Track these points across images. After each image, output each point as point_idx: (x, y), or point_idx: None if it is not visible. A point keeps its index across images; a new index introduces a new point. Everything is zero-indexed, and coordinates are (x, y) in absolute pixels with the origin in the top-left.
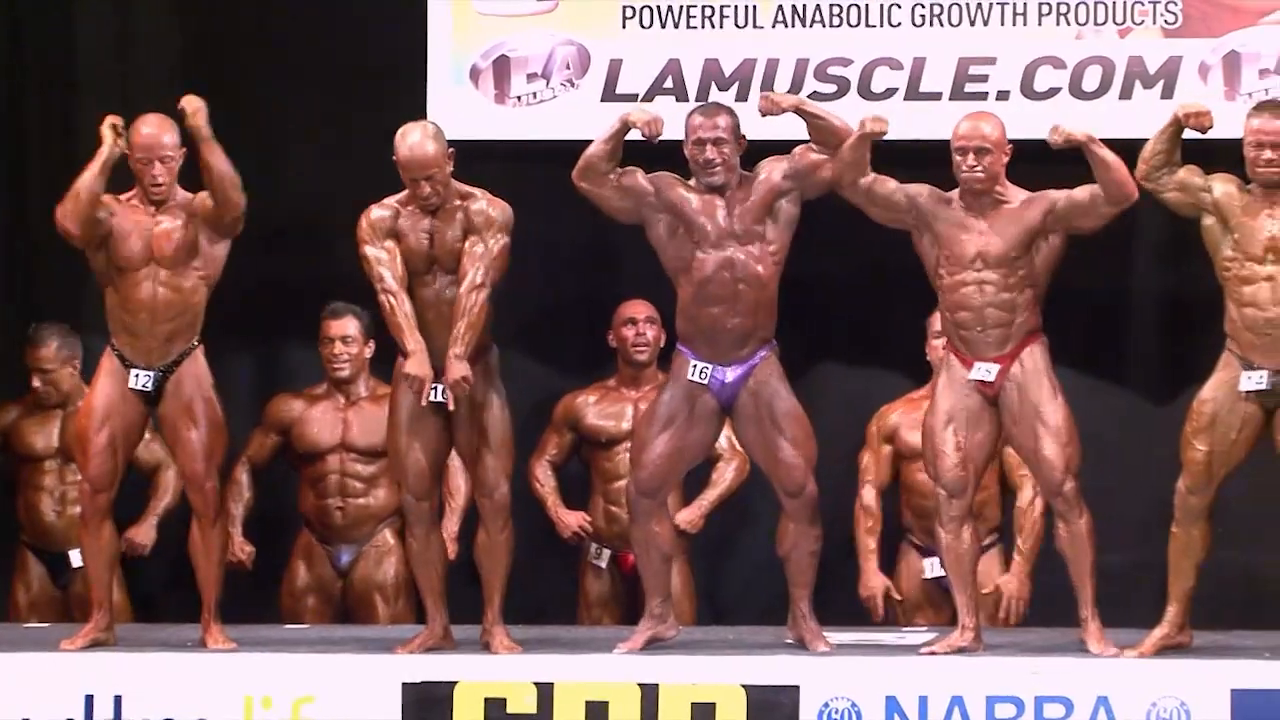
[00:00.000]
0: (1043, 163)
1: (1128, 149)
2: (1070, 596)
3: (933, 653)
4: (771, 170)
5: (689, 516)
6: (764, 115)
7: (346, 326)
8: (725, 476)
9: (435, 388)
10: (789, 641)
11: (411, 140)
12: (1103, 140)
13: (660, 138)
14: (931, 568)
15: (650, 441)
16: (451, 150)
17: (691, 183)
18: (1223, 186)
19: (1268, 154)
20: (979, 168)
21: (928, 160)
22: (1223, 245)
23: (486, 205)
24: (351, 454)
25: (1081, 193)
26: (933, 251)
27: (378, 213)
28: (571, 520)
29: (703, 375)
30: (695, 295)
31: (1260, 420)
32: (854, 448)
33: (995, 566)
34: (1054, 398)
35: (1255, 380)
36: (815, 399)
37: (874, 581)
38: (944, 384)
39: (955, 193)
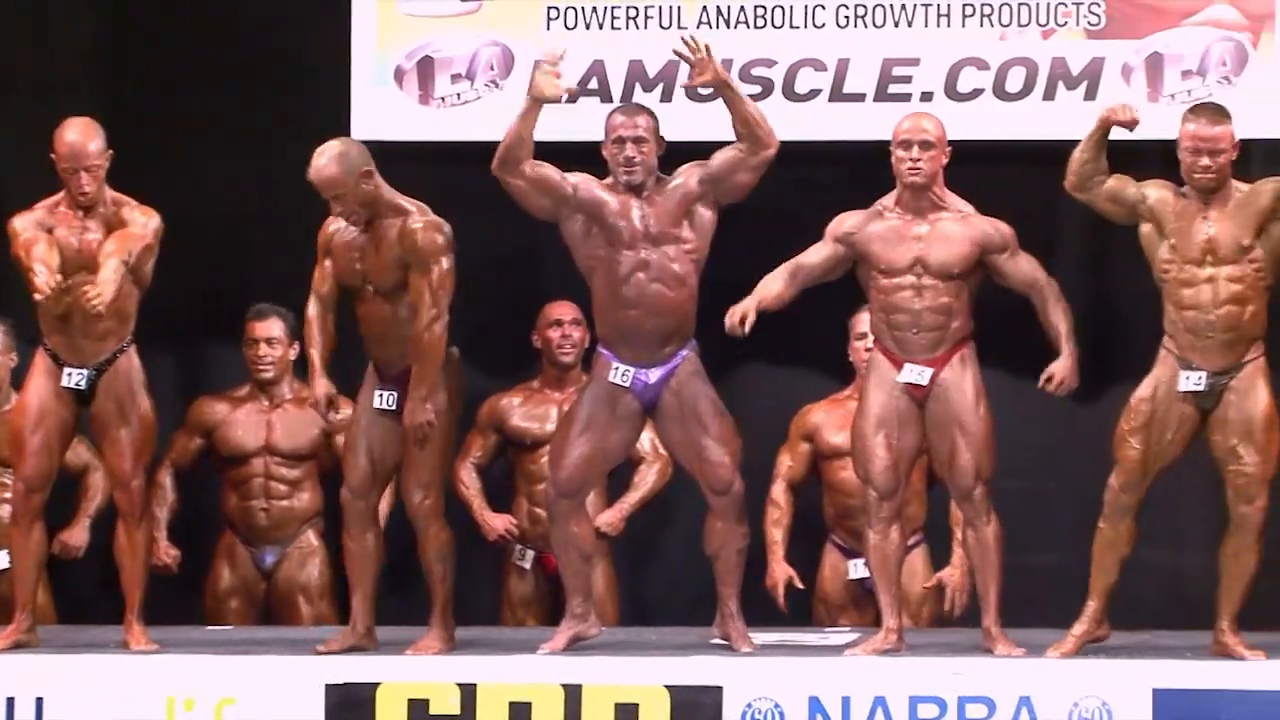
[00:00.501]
0: (968, 163)
1: (1052, 150)
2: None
3: (856, 654)
4: (689, 175)
5: (609, 519)
6: (691, 71)
7: (271, 328)
8: (647, 479)
9: (381, 393)
10: (716, 641)
11: (317, 162)
12: (1027, 141)
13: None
14: (855, 569)
15: (570, 443)
16: (367, 168)
17: (608, 182)
18: (1157, 193)
19: (1204, 160)
20: (921, 162)
21: (852, 161)
22: (1160, 249)
23: (422, 228)
24: (275, 457)
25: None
26: (865, 266)
27: (331, 227)
28: (497, 523)
29: (625, 378)
30: (611, 297)
31: (1196, 421)
32: (778, 447)
33: (921, 566)
34: (978, 405)
35: (1194, 381)
36: (740, 399)
37: (777, 570)
38: (873, 385)
39: (891, 200)
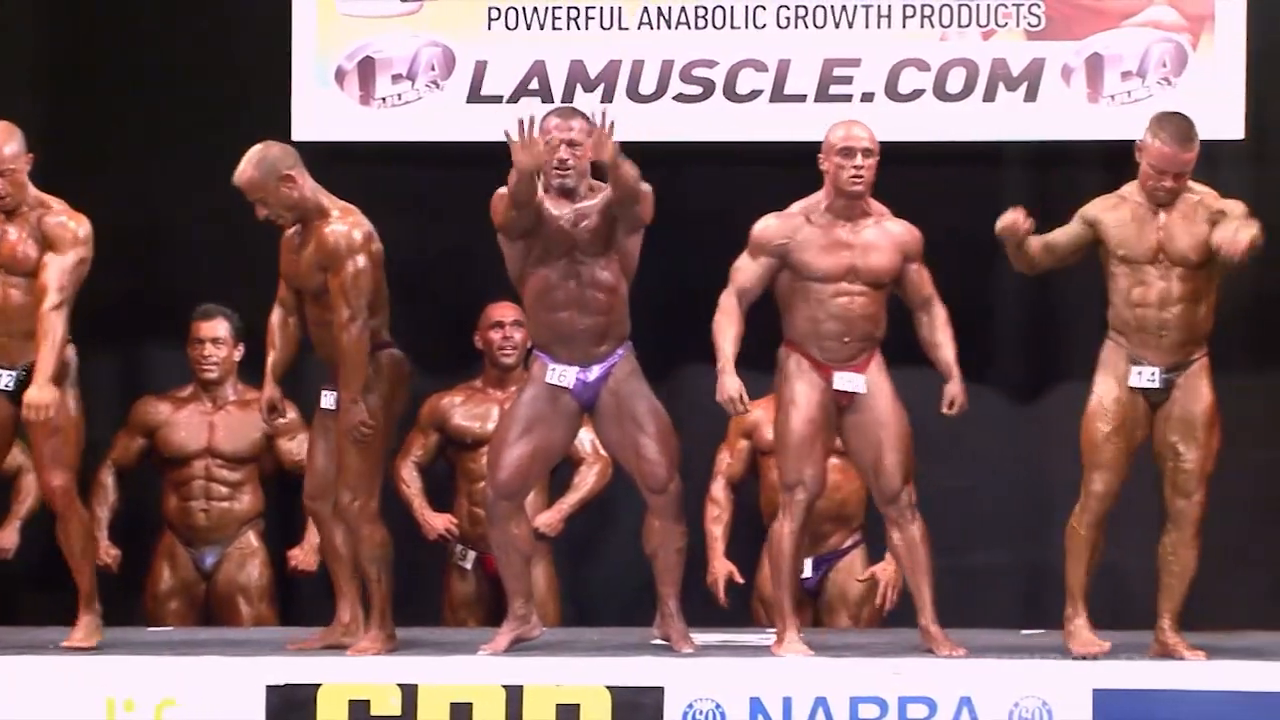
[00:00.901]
0: (909, 164)
1: (993, 151)
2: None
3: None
4: (604, 196)
5: (548, 519)
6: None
7: (217, 328)
8: (587, 480)
9: (325, 394)
10: (657, 641)
11: (240, 167)
12: (968, 142)
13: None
14: None
15: (509, 445)
16: (288, 171)
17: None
18: (1097, 214)
19: (1168, 182)
20: (864, 170)
21: (793, 162)
22: (1113, 251)
23: (333, 230)
24: (217, 459)
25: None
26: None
27: (288, 231)
28: (437, 522)
29: (564, 378)
30: (542, 301)
31: (1149, 416)
32: (718, 445)
33: (860, 566)
34: (897, 407)
35: (1147, 377)
36: (679, 397)
37: (718, 567)
38: (806, 386)
39: (817, 205)
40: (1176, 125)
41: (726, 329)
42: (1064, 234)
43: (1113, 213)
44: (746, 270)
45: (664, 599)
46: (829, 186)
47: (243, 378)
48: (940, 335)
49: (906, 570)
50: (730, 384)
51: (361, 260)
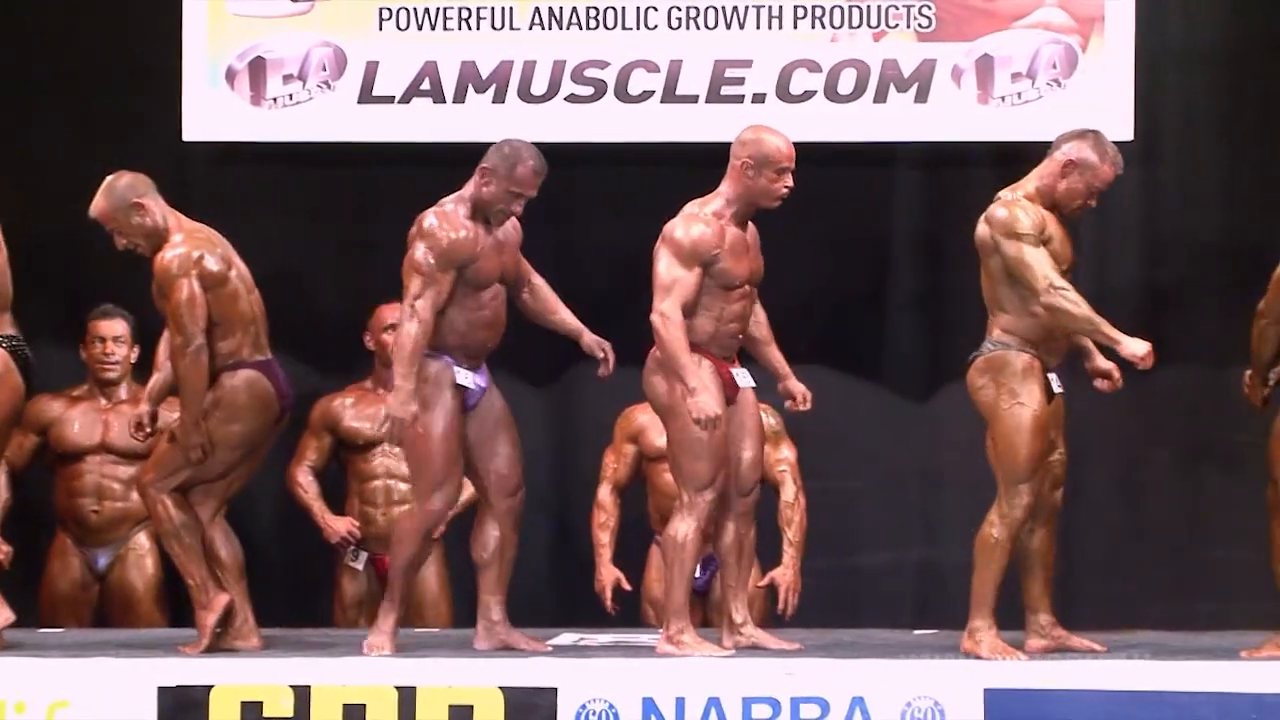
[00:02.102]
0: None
1: (884, 151)
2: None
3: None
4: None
5: None
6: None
7: (116, 327)
8: None
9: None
10: (480, 648)
11: (95, 199)
12: (860, 143)
13: None
14: None
15: (451, 461)
16: (138, 200)
17: (467, 194)
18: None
19: (1094, 202)
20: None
21: (685, 162)
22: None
23: (161, 258)
24: (111, 456)
25: None
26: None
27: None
28: (339, 525)
29: (473, 381)
30: (471, 321)
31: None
32: (604, 449)
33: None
34: (757, 404)
35: (1056, 383)
36: (566, 400)
37: (605, 574)
38: (715, 388)
39: (725, 209)
40: (1116, 149)
41: (688, 345)
42: (1046, 261)
43: (1050, 228)
44: (687, 282)
45: (490, 606)
46: (742, 192)
47: (135, 378)
48: (769, 331)
49: (735, 569)
50: (709, 403)
51: (183, 290)
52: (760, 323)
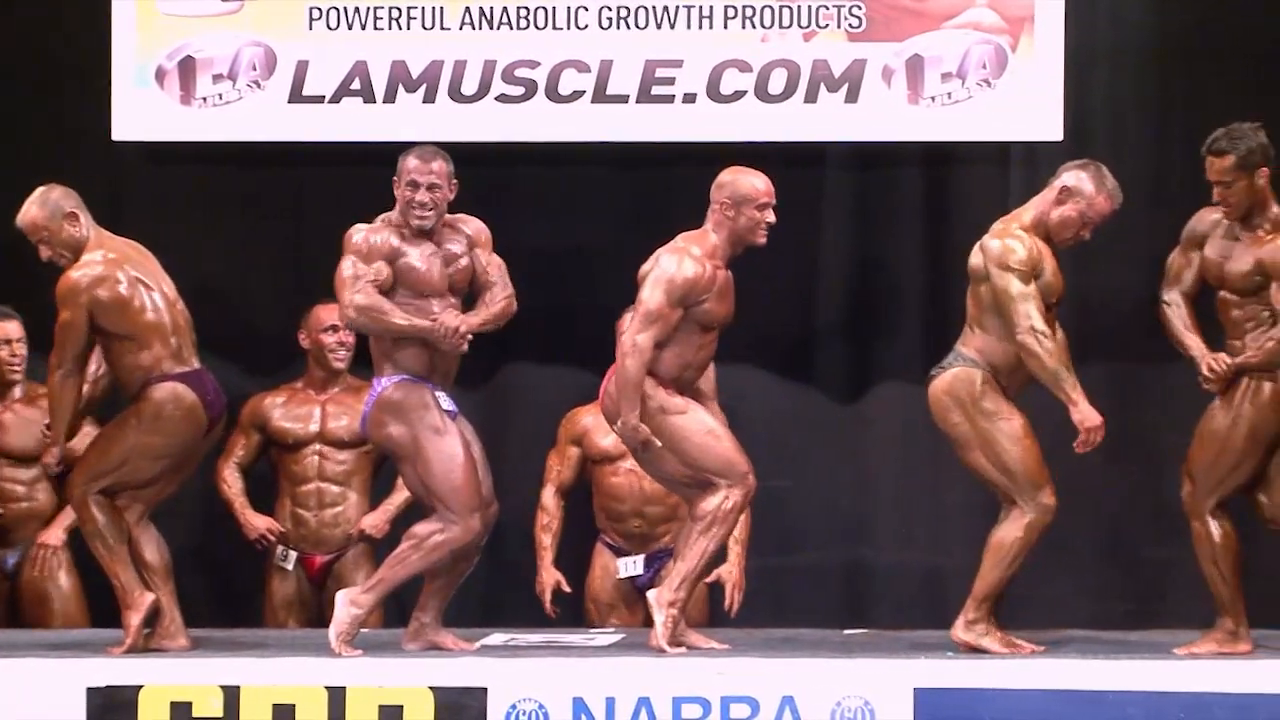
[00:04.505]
0: (728, 165)
1: (814, 151)
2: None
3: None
4: (477, 234)
5: (374, 521)
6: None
7: (13, 330)
8: None
9: None
10: (409, 648)
11: (23, 208)
12: (790, 143)
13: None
14: (624, 567)
15: (470, 473)
16: (72, 211)
17: (394, 218)
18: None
19: (1087, 235)
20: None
21: (616, 162)
22: (1045, 299)
23: (63, 277)
24: (8, 458)
25: None
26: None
27: None
28: (258, 523)
29: (452, 406)
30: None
31: None
32: (545, 448)
33: None
34: None
35: None
36: (508, 401)
37: (546, 577)
38: (697, 407)
39: (714, 251)
40: (1116, 183)
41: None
42: (1033, 300)
43: (1045, 261)
44: (669, 320)
45: (426, 607)
46: (728, 234)
47: (30, 376)
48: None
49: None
50: (645, 431)
51: (63, 314)
52: (708, 378)
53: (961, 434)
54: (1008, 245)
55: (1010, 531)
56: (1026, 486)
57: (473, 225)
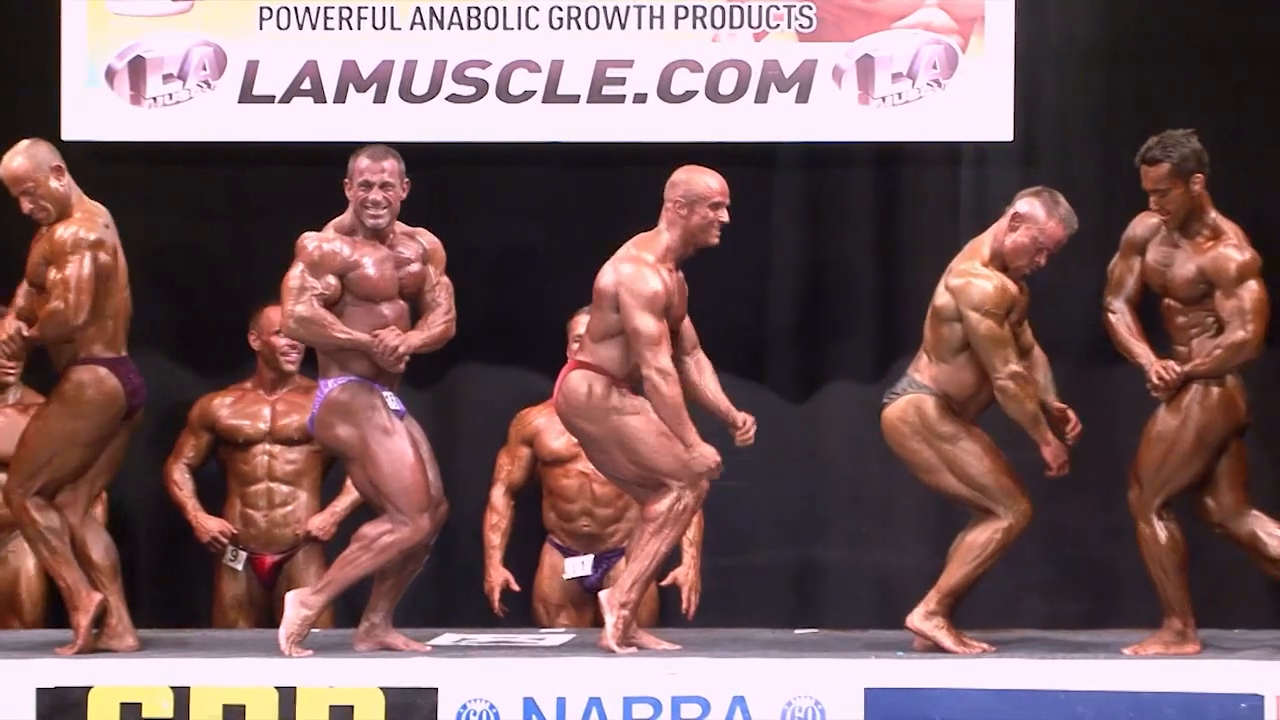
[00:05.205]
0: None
1: (765, 152)
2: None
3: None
4: (433, 251)
5: (321, 523)
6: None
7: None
8: None
9: None
10: (360, 648)
11: (6, 158)
12: (741, 143)
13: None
14: (572, 568)
15: (418, 470)
16: (55, 164)
17: (345, 222)
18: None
19: (1042, 260)
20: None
21: (567, 162)
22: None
23: (66, 230)
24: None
25: None
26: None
27: None
28: (211, 525)
29: (399, 406)
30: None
31: None
32: (494, 448)
33: None
34: None
35: None
36: (459, 400)
37: (494, 575)
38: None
39: (667, 255)
40: (1070, 210)
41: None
42: (1009, 342)
43: (1012, 293)
44: (667, 335)
45: (376, 608)
46: (681, 233)
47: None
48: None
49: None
50: (711, 453)
51: (79, 262)
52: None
53: (924, 459)
54: (978, 286)
55: (983, 533)
56: (1002, 496)
57: (429, 240)
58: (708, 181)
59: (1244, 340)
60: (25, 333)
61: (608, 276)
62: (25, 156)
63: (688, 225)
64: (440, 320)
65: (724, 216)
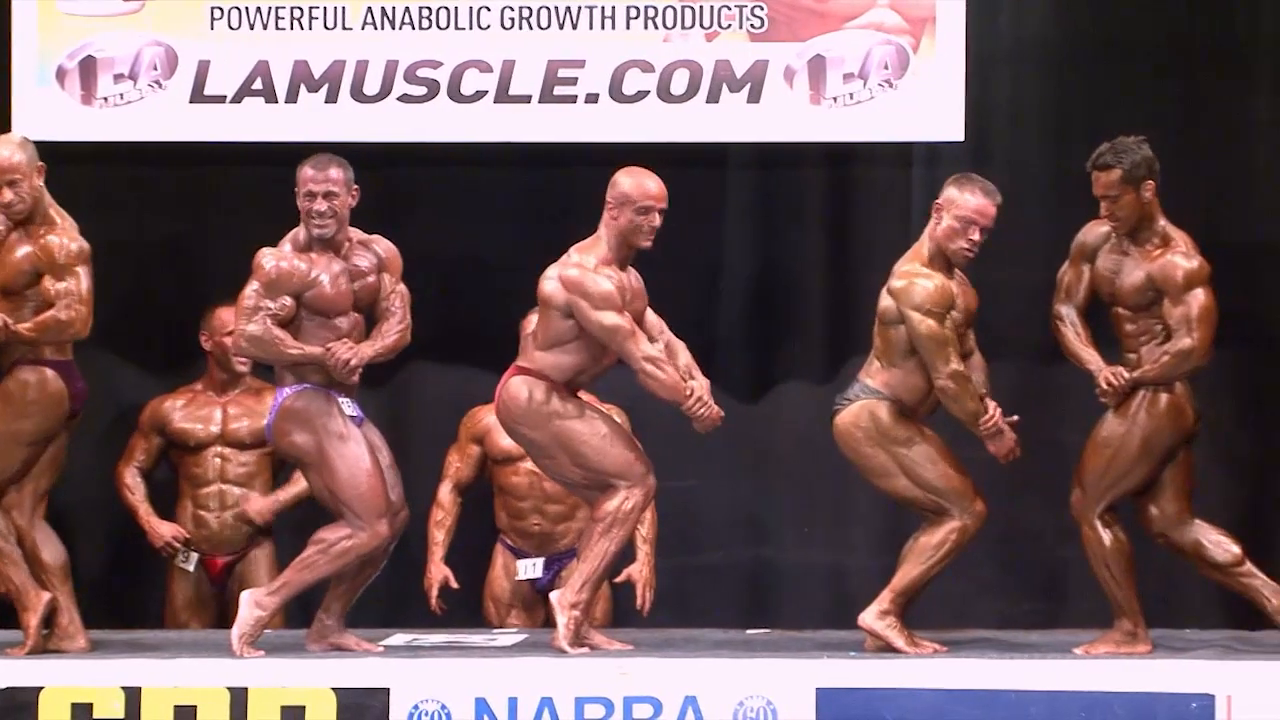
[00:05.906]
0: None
1: (717, 152)
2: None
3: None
4: (390, 259)
5: (259, 506)
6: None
7: None
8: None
9: None
10: (312, 649)
11: None
12: (692, 144)
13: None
14: (524, 569)
15: (377, 477)
16: (40, 164)
17: (300, 237)
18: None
19: (977, 235)
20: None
21: (518, 162)
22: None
23: (68, 241)
24: None
25: None
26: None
27: None
28: (164, 530)
29: (357, 412)
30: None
31: None
32: (445, 447)
33: None
34: None
35: None
36: (409, 397)
37: (434, 572)
38: (589, 408)
39: (608, 259)
40: (987, 182)
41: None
42: (951, 341)
43: (954, 289)
44: (636, 327)
45: (329, 609)
46: (614, 234)
47: None
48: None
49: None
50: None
51: (86, 276)
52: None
53: (878, 464)
54: (918, 285)
55: (938, 534)
56: (956, 499)
57: (386, 248)
58: (643, 183)
59: (1190, 348)
60: (13, 327)
61: (550, 284)
62: (20, 149)
63: (618, 227)
64: (394, 330)
65: (654, 221)
